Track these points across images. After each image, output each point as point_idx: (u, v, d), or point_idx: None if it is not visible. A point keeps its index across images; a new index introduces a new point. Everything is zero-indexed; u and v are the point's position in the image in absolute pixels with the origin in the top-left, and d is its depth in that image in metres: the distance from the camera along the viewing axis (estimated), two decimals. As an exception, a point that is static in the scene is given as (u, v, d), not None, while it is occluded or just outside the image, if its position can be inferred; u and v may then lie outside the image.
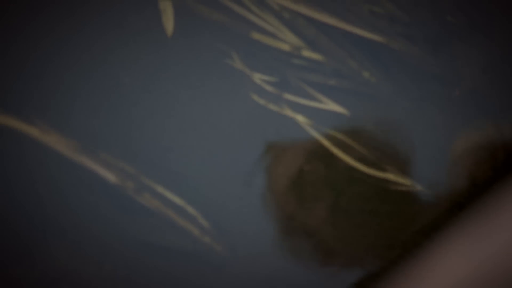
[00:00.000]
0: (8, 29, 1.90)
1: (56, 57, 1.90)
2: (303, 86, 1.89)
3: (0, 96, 1.85)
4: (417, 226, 1.81)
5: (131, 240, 1.78)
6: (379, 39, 1.86)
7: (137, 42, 1.92)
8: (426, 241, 1.72)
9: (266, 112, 1.88)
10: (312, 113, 1.87)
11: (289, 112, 1.87)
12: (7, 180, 1.81)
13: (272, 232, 1.80)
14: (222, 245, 1.78)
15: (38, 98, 1.87)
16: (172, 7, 1.89)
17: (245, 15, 1.88)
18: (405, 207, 1.83)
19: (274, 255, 1.79)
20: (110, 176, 1.79)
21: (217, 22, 1.88)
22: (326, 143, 1.83)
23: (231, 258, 1.78)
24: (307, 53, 1.89)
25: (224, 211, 1.81)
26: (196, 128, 1.88)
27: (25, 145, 1.83)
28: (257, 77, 1.89)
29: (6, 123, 1.82)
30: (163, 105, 1.90)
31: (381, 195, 1.82)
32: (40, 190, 1.80)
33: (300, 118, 1.86)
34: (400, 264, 1.69)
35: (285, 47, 1.89)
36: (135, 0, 1.93)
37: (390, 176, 1.83)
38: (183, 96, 1.91)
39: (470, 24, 1.89)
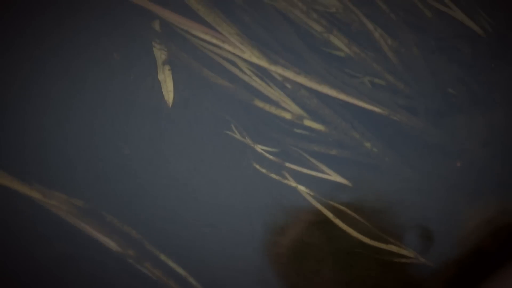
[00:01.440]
0: (15, 101, 1.91)
1: (59, 128, 1.89)
2: (305, 155, 1.89)
3: (4, 159, 1.84)
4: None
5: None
6: (380, 111, 1.87)
7: (138, 113, 1.92)
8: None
9: (267, 181, 1.87)
10: (314, 183, 1.86)
11: (291, 182, 1.86)
12: (5, 242, 1.79)
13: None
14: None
15: (41, 165, 1.85)
16: (172, 77, 1.90)
17: (249, 82, 1.89)
18: (408, 279, 1.81)
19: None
20: (112, 244, 1.76)
21: (220, 89, 1.89)
22: (329, 214, 1.81)
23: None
24: (309, 123, 1.89)
25: (227, 284, 1.78)
26: (197, 198, 1.86)
27: (26, 207, 1.81)
28: (259, 147, 1.88)
29: (8, 185, 1.80)
30: (164, 176, 1.89)
31: (384, 267, 1.80)
32: (39, 254, 1.77)
33: (302, 188, 1.85)
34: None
35: (287, 116, 1.89)
36: (135, 71, 1.93)
37: (393, 248, 1.81)
38: (184, 167, 1.90)
39: (471, 97, 1.90)
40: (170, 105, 1.90)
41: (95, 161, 1.88)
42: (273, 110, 1.88)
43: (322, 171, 1.89)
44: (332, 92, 1.87)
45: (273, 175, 1.87)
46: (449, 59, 1.91)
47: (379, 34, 1.90)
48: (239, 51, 1.86)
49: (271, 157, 1.88)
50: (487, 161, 1.86)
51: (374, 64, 1.91)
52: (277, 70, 1.86)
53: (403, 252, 1.80)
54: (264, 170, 1.87)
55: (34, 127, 1.88)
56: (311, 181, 1.87)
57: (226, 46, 1.86)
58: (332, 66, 1.92)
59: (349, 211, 1.82)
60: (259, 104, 1.89)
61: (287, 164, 1.88)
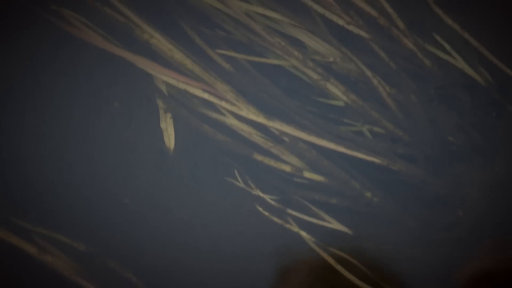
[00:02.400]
0: (16, 147, 1.91)
1: (59, 175, 1.89)
2: (306, 203, 1.88)
3: (3, 213, 1.84)
4: None
5: None
6: (379, 161, 1.87)
7: (138, 160, 1.92)
8: None
9: (270, 226, 1.87)
10: (315, 230, 1.86)
11: (293, 227, 1.85)
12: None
13: None
14: None
15: (42, 212, 1.85)
16: (173, 126, 1.90)
17: (248, 137, 1.89)
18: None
19: None
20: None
21: (220, 143, 1.89)
22: (331, 260, 1.80)
23: None
24: (308, 174, 1.89)
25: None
26: (198, 247, 1.86)
27: (22, 263, 1.80)
28: (260, 193, 1.88)
29: (6, 239, 1.79)
30: (165, 224, 1.88)
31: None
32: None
33: (304, 234, 1.84)
34: None
35: (287, 168, 1.89)
36: (136, 118, 1.94)
37: (394, 297, 1.80)
38: (184, 215, 1.90)
39: (471, 145, 1.90)
40: (171, 152, 1.90)
41: (95, 210, 1.88)
42: (272, 163, 1.89)
43: (323, 219, 1.88)
44: (331, 145, 1.87)
45: (276, 219, 1.87)
46: (449, 108, 1.92)
47: (377, 82, 1.91)
48: (236, 109, 1.87)
49: (273, 202, 1.88)
50: (489, 210, 1.86)
51: (373, 112, 1.92)
52: (275, 125, 1.87)
53: (405, 301, 1.79)
54: (266, 213, 1.87)
55: (35, 174, 1.88)
56: (312, 228, 1.86)
57: (223, 104, 1.88)
58: (330, 118, 1.93)
59: (350, 259, 1.81)
60: (259, 157, 1.89)
61: (289, 211, 1.88)
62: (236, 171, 1.89)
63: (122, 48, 1.88)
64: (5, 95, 1.92)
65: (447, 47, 1.93)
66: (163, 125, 1.91)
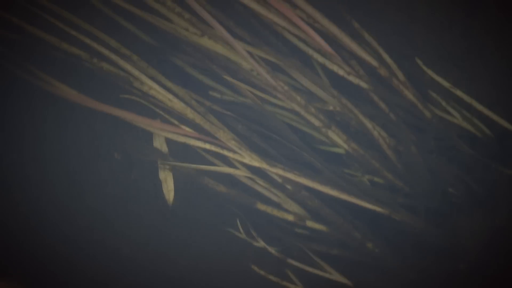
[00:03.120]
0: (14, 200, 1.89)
1: (58, 230, 1.88)
2: (307, 253, 1.88)
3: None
4: None
5: None
6: (381, 210, 1.87)
7: (137, 212, 1.91)
8: None
9: (266, 284, 1.87)
10: (315, 281, 1.86)
11: (290, 285, 1.85)
12: None
13: None
14: None
15: (41, 269, 1.84)
16: (173, 177, 1.89)
17: (250, 185, 1.88)
18: None
19: None
20: None
21: (222, 194, 1.88)
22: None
23: None
24: (311, 223, 1.89)
25: None
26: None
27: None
28: (260, 244, 1.87)
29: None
30: (164, 277, 1.87)
31: None
32: None
33: (302, 289, 1.86)
34: None
35: (290, 217, 1.89)
36: (136, 169, 1.93)
37: None
38: (183, 265, 1.89)
39: (471, 197, 1.91)
40: (171, 203, 1.88)
41: (95, 262, 1.87)
42: (275, 212, 1.88)
43: (324, 270, 1.88)
44: (334, 192, 1.87)
45: (272, 277, 1.86)
46: (449, 159, 1.93)
47: (377, 133, 1.91)
48: (239, 156, 1.86)
49: (273, 251, 1.87)
50: (490, 262, 1.87)
51: (373, 162, 1.92)
52: (278, 172, 1.86)
53: None
54: (262, 272, 1.87)
55: (33, 231, 1.86)
56: (312, 279, 1.86)
57: (225, 152, 1.86)
58: (331, 165, 1.92)
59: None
60: (261, 207, 1.88)
61: (289, 261, 1.87)
62: (236, 223, 1.89)
63: (120, 107, 1.86)
64: (6, 148, 1.90)
65: (443, 103, 1.94)
66: (162, 176, 1.89)
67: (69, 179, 1.90)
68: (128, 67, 1.85)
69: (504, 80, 1.95)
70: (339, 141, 1.92)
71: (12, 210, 1.88)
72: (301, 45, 1.89)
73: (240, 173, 1.86)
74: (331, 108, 1.92)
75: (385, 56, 1.91)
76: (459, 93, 1.94)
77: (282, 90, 1.87)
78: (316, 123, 1.91)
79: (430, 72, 1.94)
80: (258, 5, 1.85)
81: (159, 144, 1.88)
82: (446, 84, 1.94)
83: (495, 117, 1.93)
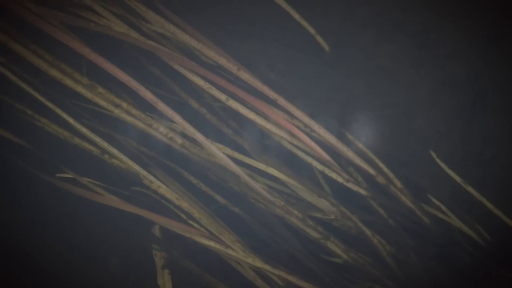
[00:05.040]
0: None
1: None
2: None
3: None
4: None
5: None
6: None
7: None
8: None
9: None
10: None
11: None
12: None
13: None
14: None
15: None
16: (172, 282, 1.89)
17: (253, 281, 1.88)
18: None
19: None
20: None
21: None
22: None
23: None
24: None
25: None
26: None
27: None
28: None
29: None
30: None
31: None
32: None
33: None
34: None
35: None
36: (134, 276, 1.93)
37: None
38: None
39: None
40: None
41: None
42: None
43: None
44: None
45: None
46: (449, 267, 1.92)
47: (377, 241, 1.91)
48: (242, 256, 1.87)
49: None
50: None
51: (373, 270, 1.91)
52: (280, 274, 1.86)
53: None
54: None
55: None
56: None
57: (229, 251, 1.87)
58: (331, 272, 1.92)
59: None
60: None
61: None
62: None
63: (128, 202, 1.89)
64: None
65: (443, 207, 1.94)
66: (160, 281, 1.89)
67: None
68: (138, 168, 1.89)
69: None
70: (339, 252, 1.92)
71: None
72: (300, 153, 1.92)
73: (243, 271, 1.86)
74: (331, 217, 1.93)
75: (382, 165, 1.94)
76: (470, 189, 1.95)
77: (279, 205, 1.90)
78: (315, 235, 1.92)
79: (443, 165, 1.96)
80: (256, 116, 1.89)
81: (158, 233, 1.90)
82: (457, 179, 1.96)
83: (498, 223, 1.93)
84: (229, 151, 1.88)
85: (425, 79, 2.02)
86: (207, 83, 1.88)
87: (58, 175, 1.88)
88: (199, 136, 1.85)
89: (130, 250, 1.94)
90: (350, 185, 1.92)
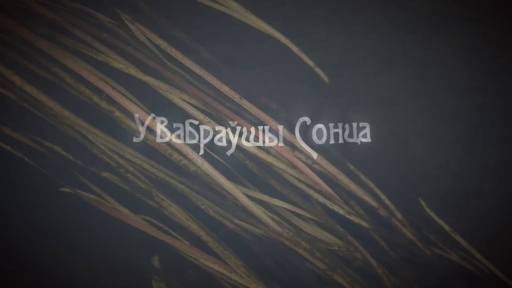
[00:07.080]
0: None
1: None
2: None
3: None
4: None
5: None
6: None
7: None
8: None
9: None
10: None
11: None
12: None
13: None
14: None
15: None
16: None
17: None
18: None
19: None
20: None
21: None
22: None
23: None
24: None
25: None
26: None
27: None
28: None
29: None
30: None
31: None
32: None
33: None
34: None
35: None
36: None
37: None
38: None
39: None
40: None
41: None
42: None
43: None
44: None
45: None
46: (450, 298, 1.93)
47: (382, 271, 1.92)
48: (246, 282, 1.87)
49: None
50: None
51: (377, 301, 1.93)
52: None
53: None
54: None
55: None
56: None
57: (233, 276, 1.88)
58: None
59: None
60: None
61: None
62: None
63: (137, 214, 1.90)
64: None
65: (440, 244, 1.95)
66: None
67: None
68: (151, 187, 1.90)
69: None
70: (344, 283, 1.92)
71: None
72: (302, 186, 1.93)
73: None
74: (335, 248, 1.94)
75: (383, 197, 1.95)
76: (457, 237, 1.96)
77: (287, 236, 1.91)
78: (322, 266, 1.92)
79: (429, 211, 1.97)
80: (258, 150, 1.90)
81: (157, 263, 1.91)
82: (445, 226, 1.97)
83: (496, 255, 1.94)
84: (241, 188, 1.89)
85: (425, 110, 2.04)
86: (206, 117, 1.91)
87: (61, 189, 1.90)
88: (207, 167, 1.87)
89: (129, 283, 1.95)
90: (352, 218, 1.93)
